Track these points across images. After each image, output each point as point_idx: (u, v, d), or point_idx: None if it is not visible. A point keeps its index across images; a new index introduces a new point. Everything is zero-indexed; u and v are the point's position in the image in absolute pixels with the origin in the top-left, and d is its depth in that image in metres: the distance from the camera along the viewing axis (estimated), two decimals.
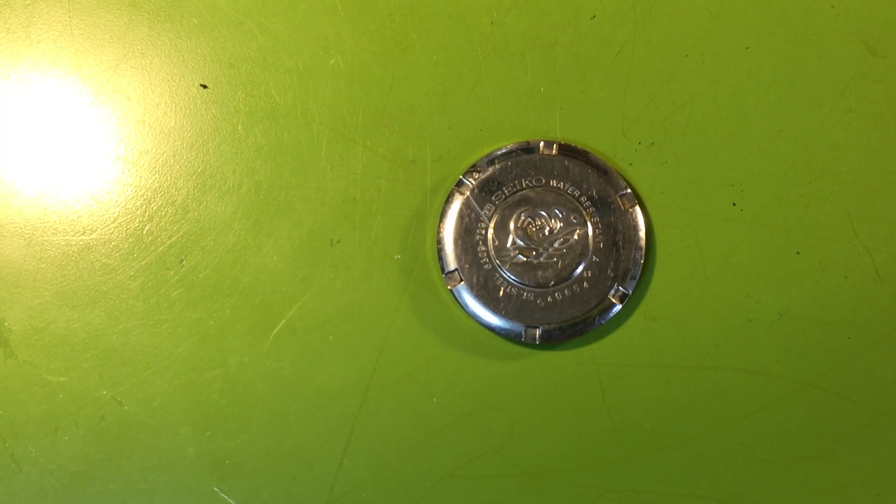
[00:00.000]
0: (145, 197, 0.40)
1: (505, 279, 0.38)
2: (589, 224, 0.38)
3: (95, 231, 0.40)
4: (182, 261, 0.40)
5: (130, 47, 0.41)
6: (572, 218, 0.39)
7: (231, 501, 0.39)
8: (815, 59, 0.39)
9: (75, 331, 0.40)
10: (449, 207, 0.39)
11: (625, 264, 0.38)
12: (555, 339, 0.38)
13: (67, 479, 0.39)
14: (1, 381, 0.40)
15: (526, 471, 0.39)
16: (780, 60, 0.39)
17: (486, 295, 0.38)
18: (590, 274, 0.38)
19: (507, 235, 0.39)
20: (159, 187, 0.40)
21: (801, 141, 0.39)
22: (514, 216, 0.39)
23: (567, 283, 0.38)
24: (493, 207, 0.39)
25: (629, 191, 0.39)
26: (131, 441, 0.39)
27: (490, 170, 0.39)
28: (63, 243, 0.40)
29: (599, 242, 0.38)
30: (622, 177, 0.39)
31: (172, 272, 0.40)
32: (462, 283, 0.39)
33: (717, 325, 0.38)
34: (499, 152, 0.39)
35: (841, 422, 0.37)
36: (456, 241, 0.39)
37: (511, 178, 0.39)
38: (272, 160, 0.40)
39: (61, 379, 0.40)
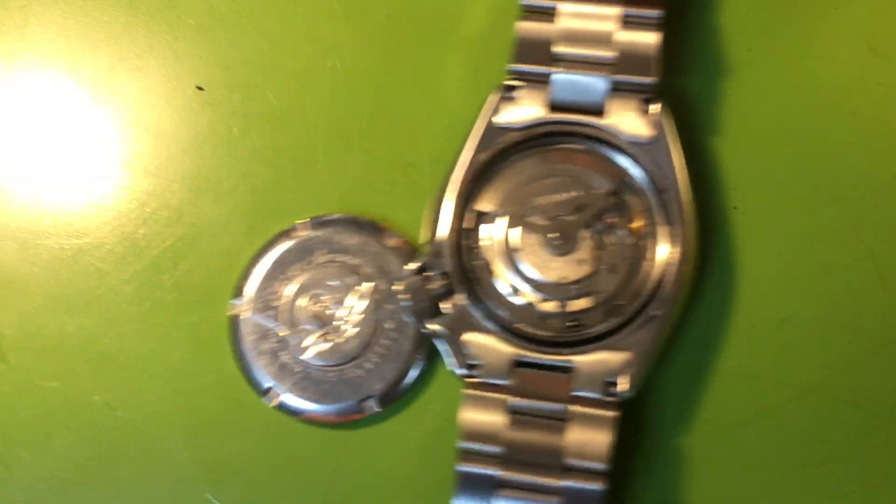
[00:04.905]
0: (140, 200, 0.40)
1: (319, 370, 0.38)
2: (366, 280, 0.38)
3: (89, 235, 0.40)
4: (177, 265, 0.40)
5: (126, 49, 0.41)
6: (348, 280, 0.38)
7: None
8: (818, 61, 0.39)
9: (68, 335, 0.40)
10: (239, 336, 0.39)
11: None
12: (392, 398, 0.38)
13: (60, 485, 0.39)
14: None
15: None
16: (782, 63, 0.39)
17: (310, 393, 0.38)
18: (392, 324, 0.38)
19: (300, 331, 0.38)
20: (154, 190, 0.40)
21: (803, 144, 0.38)
22: (298, 309, 0.38)
23: (376, 342, 0.38)
24: (275, 313, 0.38)
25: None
26: (124, 447, 0.39)
27: (254, 282, 0.39)
28: (56, 247, 0.40)
29: (385, 290, 0.38)
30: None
31: (167, 276, 0.40)
32: (282, 396, 0.38)
33: (717, 330, 0.38)
34: (255, 267, 0.39)
35: (843, 427, 0.37)
36: (257, 362, 0.38)
37: (276, 277, 0.39)
38: (268, 163, 0.40)
39: (54, 384, 0.39)
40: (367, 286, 0.38)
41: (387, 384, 0.38)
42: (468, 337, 0.35)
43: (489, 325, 0.35)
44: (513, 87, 0.36)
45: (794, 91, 0.39)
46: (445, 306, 0.35)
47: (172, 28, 0.41)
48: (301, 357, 0.38)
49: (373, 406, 0.38)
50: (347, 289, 0.38)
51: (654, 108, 0.35)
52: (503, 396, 0.34)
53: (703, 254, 0.38)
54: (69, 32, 0.41)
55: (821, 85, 0.39)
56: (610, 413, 0.34)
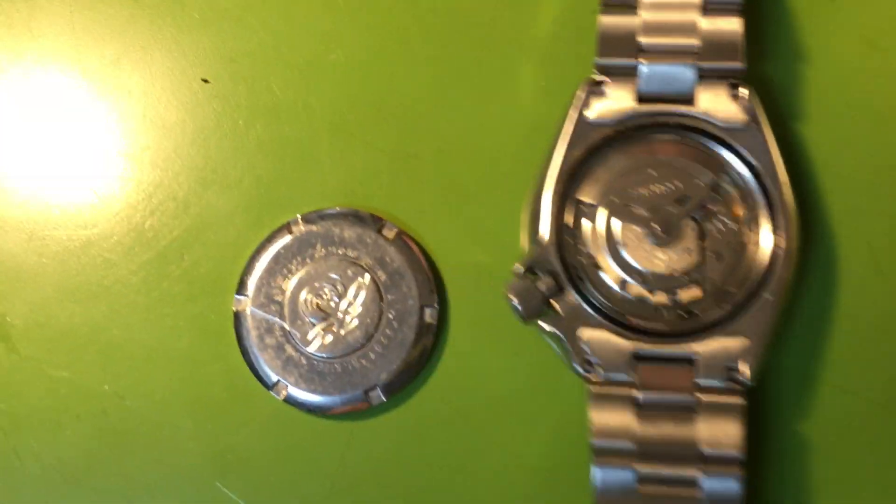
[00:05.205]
0: (147, 192, 0.40)
1: (324, 362, 0.38)
2: (366, 271, 0.39)
3: (97, 226, 0.40)
4: (184, 256, 0.40)
5: (132, 42, 0.41)
6: (349, 272, 0.39)
7: (232, 495, 0.39)
8: (815, 53, 0.39)
9: (77, 325, 0.40)
10: (243, 331, 0.39)
11: (422, 289, 0.39)
12: (397, 388, 0.39)
13: (69, 473, 0.40)
14: (3, 375, 0.40)
15: None
16: (780, 55, 0.39)
17: (316, 385, 0.38)
18: (393, 314, 0.39)
19: (304, 324, 0.38)
20: (161, 182, 0.40)
21: (800, 135, 0.38)
22: (300, 303, 0.39)
23: (379, 332, 0.38)
24: (279, 307, 0.39)
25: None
26: (133, 435, 0.39)
27: (255, 277, 0.39)
28: (65, 238, 0.40)
29: (385, 280, 0.39)
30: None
31: (174, 267, 0.40)
32: (288, 388, 0.39)
33: None
34: (257, 262, 0.39)
35: (842, 416, 0.37)
36: (262, 356, 0.39)
37: (277, 272, 0.39)
38: (273, 155, 0.40)
39: (63, 373, 0.40)
40: (367, 277, 0.39)
41: (391, 374, 0.38)
42: (584, 334, 0.35)
43: (603, 320, 0.35)
44: (600, 82, 0.36)
45: (791, 83, 0.39)
46: (556, 305, 0.35)
47: (177, 21, 0.41)
48: (306, 350, 0.38)
49: (378, 396, 0.38)
50: (348, 281, 0.39)
51: (744, 92, 0.35)
52: (629, 391, 0.34)
53: None
54: (75, 26, 0.41)
55: (818, 76, 0.39)
56: (738, 399, 0.34)
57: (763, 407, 0.38)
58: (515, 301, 0.35)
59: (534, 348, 0.38)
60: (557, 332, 0.35)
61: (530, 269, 0.35)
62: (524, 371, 0.39)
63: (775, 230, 0.35)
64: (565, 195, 0.36)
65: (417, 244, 0.39)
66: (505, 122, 0.39)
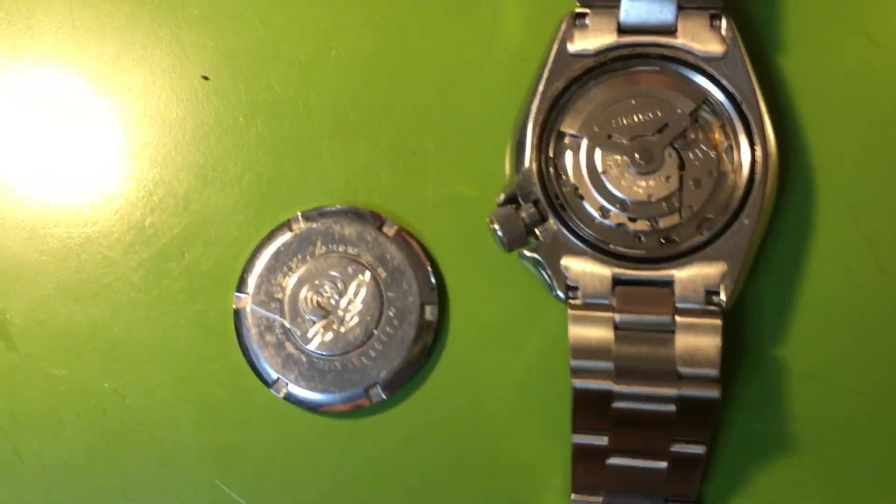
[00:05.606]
0: (147, 189, 0.40)
1: (324, 360, 0.38)
2: (367, 269, 0.38)
3: (97, 223, 0.40)
4: (184, 253, 0.40)
5: (132, 39, 0.41)
6: (349, 270, 0.39)
7: (232, 494, 0.39)
8: (816, 49, 0.39)
9: (77, 323, 0.40)
10: (244, 328, 0.39)
11: (422, 286, 0.39)
12: (397, 385, 0.39)
13: (69, 472, 0.39)
14: (3, 373, 0.40)
15: None
16: (781, 51, 0.39)
17: (316, 383, 0.38)
18: (394, 311, 0.39)
19: (304, 321, 0.38)
20: (161, 179, 0.40)
21: (801, 132, 0.38)
22: (301, 300, 0.39)
23: (379, 329, 0.38)
24: (279, 305, 0.39)
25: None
26: (133, 434, 0.39)
27: (256, 275, 0.39)
28: (65, 235, 0.40)
29: (386, 278, 0.39)
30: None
31: (174, 264, 0.40)
32: (288, 386, 0.39)
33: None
34: (257, 259, 0.39)
35: (843, 413, 0.37)
36: (262, 354, 0.39)
37: (277, 269, 0.39)
38: (274, 152, 0.40)
39: (63, 372, 0.40)
40: (367, 275, 0.39)
41: (391, 371, 0.38)
42: (566, 261, 0.35)
43: (584, 247, 0.35)
44: (582, 14, 0.37)
45: (791, 79, 0.39)
46: (539, 233, 0.36)
47: (177, 18, 0.41)
48: (306, 347, 0.38)
49: (378, 393, 0.38)
50: (348, 278, 0.39)
51: (724, 23, 0.36)
52: (609, 314, 0.35)
53: None
54: (75, 23, 0.41)
55: (819, 73, 0.39)
56: (715, 320, 0.34)
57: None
58: (498, 229, 0.35)
59: (535, 346, 0.38)
60: (539, 258, 0.36)
61: (513, 198, 0.36)
62: (525, 369, 0.39)
63: (753, 154, 0.35)
64: (548, 126, 0.36)
65: (418, 241, 0.39)
66: (507, 120, 0.39)
